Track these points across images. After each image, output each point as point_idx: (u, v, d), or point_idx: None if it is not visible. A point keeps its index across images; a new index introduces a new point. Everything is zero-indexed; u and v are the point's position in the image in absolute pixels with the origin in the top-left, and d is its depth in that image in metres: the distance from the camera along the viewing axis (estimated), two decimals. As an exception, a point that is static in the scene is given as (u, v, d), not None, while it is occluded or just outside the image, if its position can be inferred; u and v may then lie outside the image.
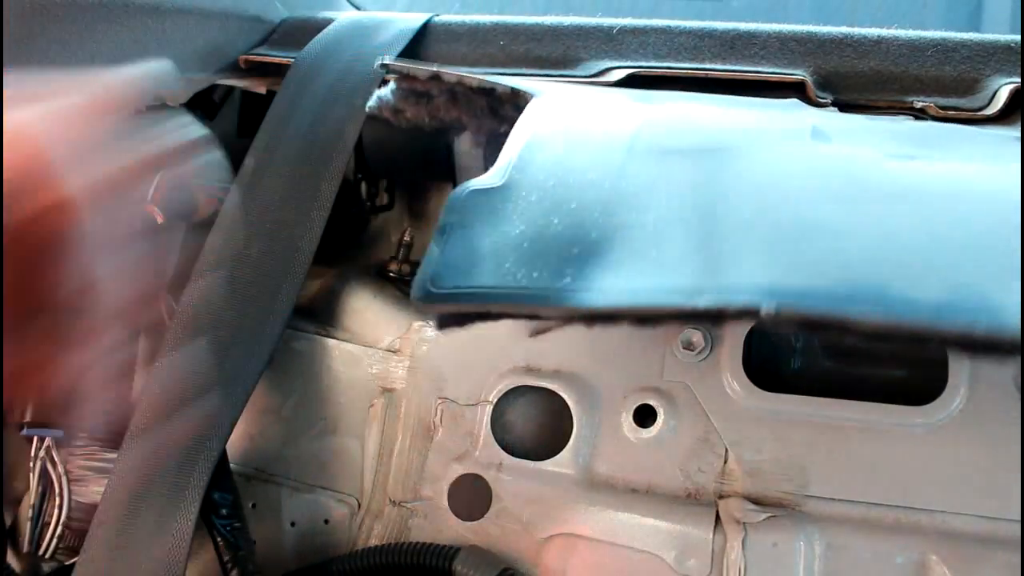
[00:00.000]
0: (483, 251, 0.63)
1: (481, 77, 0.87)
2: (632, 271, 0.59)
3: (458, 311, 0.64)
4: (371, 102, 0.93)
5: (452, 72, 0.88)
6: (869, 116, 0.90)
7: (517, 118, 0.87)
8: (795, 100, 0.93)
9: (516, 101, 0.85)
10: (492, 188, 0.68)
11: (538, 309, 0.63)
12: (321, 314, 1.01)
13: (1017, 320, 0.52)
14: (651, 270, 0.59)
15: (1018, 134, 0.86)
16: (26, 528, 0.85)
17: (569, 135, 0.75)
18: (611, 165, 0.69)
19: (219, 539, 0.83)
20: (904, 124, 0.87)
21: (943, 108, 0.95)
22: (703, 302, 0.55)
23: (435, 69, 0.88)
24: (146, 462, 0.81)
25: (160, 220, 0.99)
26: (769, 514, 0.79)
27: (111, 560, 0.78)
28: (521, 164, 0.70)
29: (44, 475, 0.85)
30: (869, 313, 0.53)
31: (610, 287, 0.58)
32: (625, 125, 0.75)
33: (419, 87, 0.90)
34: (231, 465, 0.89)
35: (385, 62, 0.91)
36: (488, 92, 0.87)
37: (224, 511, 0.84)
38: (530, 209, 0.66)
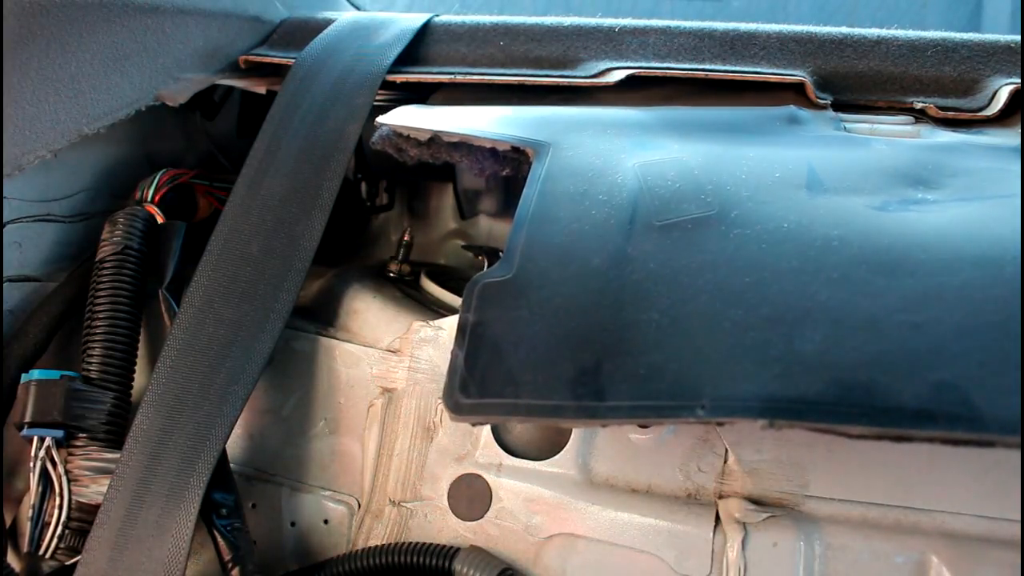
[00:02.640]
0: (503, 355, 0.68)
1: (482, 138, 0.87)
2: (638, 379, 0.65)
3: (486, 423, 0.77)
4: (373, 137, 0.94)
5: (453, 133, 0.88)
6: (867, 137, 0.89)
7: (517, 159, 0.88)
8: (792, 110, 0.93)
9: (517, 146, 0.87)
10: (504, 280, 0.72)
11: (557, 423, 0.75)
12: (321, 314, 1.01)
13: (997, 423, 0.57)
14: (656, 377, 0.64)
15: (1017, 143, 0.85)
16: (26, 528, 0.85)
17: (573, 211, 0.77)
18: (614, 249, 0.73)
19: (219, 539, 0.83)
20: (903, 146, 0.86)
21: (943, 109, 0.95)
22: (703, 414, 0.62)
23: (436, 130, 0.89)
24: (147, 463, 0.81)
25: (160, 220, 1.00)
26: (769, 514, 0.79)
27: (111, 560, 0.78)
28: (528, 251, 0.74)
29: (44, 475, 0.85)
30: (855, 424, 0.59)
31: (620, 398, 0.64)
32: (625, 195, 0.77)
33: (421, 136, 0.91)
34: (231, 465, 0.89)
35: (384, 121, 0.92)
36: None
37: (224, 511, 0.84)
38: (542, 306, 0.70)
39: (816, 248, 0.69)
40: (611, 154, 0.84)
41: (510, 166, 0.92)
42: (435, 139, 0.90)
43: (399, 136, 0.92)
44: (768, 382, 0.62)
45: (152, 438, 0.82)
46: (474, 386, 0.67)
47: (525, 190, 0.80)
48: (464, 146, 0.90)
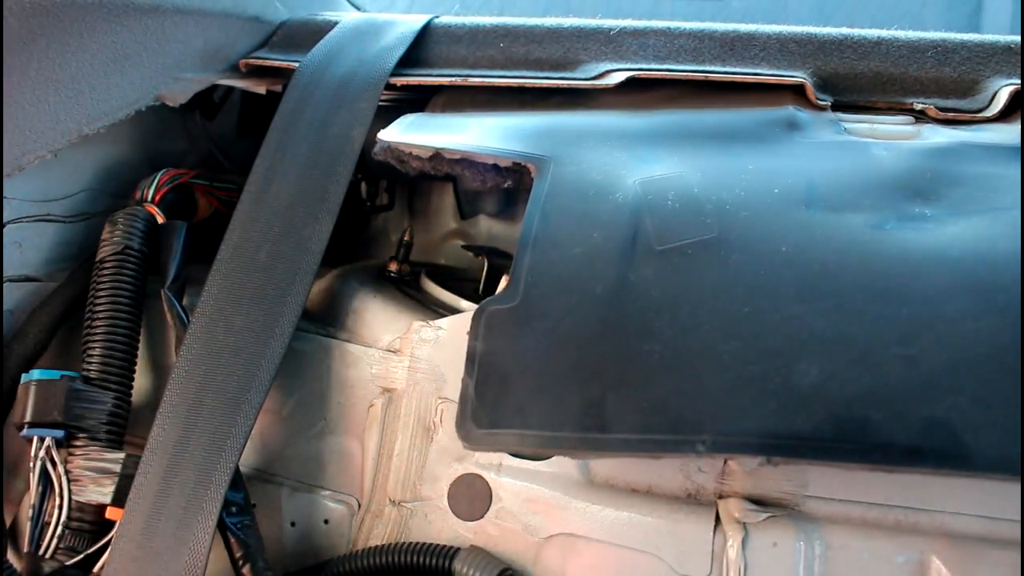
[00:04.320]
0: (512, 385, 0.71)
1: (484, 154, 0.88)
2: (642, 412, 0.68)
3: (498, 451, 0.80)
4: (375, 149, 0.94)
5: (456, 149, 0.89)
6: (867, 141, 0.89)
7: (519, 172, 0.89)
8: (791, 113, 0.93)
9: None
10: (510, 308, 0.74)
11: (564, 454, 0.79)
12: (321, 314, 1.01)
13: (984, 462, 0.60)
14: (659, 411, 0.67)
15: (1017, 144, 0.85)
16: (26, 528, 0.85)
17: (575, 233, 0.78)
18: (616, 276, 0.74)
19: (230, 536, 0.83)
20: (902, 152, 0.86)
21: (943, 110, 0.95)
22: (703, 450, 0.65)
23: (438, 147, 0.89)
24: (164, 475, 0.81)
25: (161, 220, 1.00)
26: (769, 514, 0.79)
27: (130, 574, 0.78)
28: (533, 278, 0.76)
29: (44, 475, 0.85)
30: (848, 461, 0.63)
31: (624, 431, 0.67)
32: (626, 216, 0.78)
33: (423, 153, 0.91)
34: (233, 465, 0.89)
35: (385, 139, 0.92)
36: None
37: (234, 509, 0.84)
38: (547, 335, 0.72)
39: (813, 274, 0.71)
40: (611, 169, 0.84)
41: (512, 178, 0.92)
42: (437, 154, 0.90)
43: (401, 149, 0.92)
44: (766, 418, 0.64)
45: (168, 449, 0.82)
46: (485, 416, 0.70)
47: (528, 209, 0.80)
48: (466, 160, 0.90)
